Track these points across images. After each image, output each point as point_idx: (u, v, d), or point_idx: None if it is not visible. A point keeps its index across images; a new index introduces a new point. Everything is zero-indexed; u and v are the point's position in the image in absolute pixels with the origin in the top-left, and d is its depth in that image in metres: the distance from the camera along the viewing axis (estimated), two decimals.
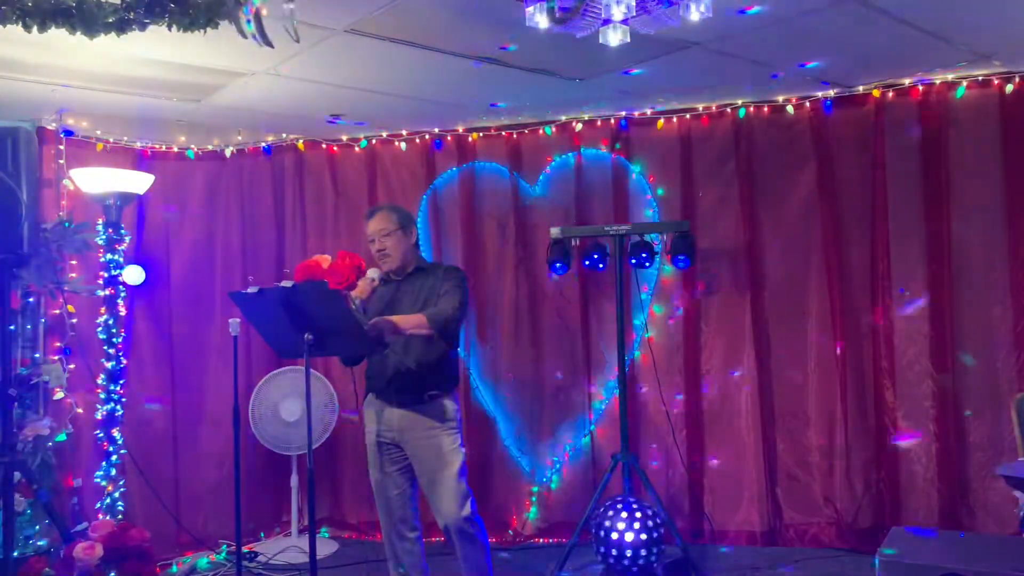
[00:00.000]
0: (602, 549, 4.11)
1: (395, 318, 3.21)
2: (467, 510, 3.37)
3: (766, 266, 4.78)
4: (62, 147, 4.51)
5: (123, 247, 4.50)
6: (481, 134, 5.10)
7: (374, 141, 5.19)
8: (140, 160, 4.93)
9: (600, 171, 5.00)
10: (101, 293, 4.42)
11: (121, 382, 4.46)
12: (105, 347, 4.39)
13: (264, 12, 2.51)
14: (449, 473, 3.36)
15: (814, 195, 4.68)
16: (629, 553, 4.03)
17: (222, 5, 2.51)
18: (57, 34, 2.61)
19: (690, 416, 4.84)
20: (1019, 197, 4.28)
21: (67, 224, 4.30)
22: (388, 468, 3.48)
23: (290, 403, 4.88)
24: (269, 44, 2.55)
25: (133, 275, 4.65)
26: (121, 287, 4.48)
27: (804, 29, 3.48)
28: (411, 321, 3.23)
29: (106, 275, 4.42)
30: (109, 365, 4.39)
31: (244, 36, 2.56)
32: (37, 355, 4.30)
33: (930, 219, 4.42)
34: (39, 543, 4.04)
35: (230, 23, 2.57)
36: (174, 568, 4.70)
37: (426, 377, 3.38)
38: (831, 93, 4.56)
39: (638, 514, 4.06)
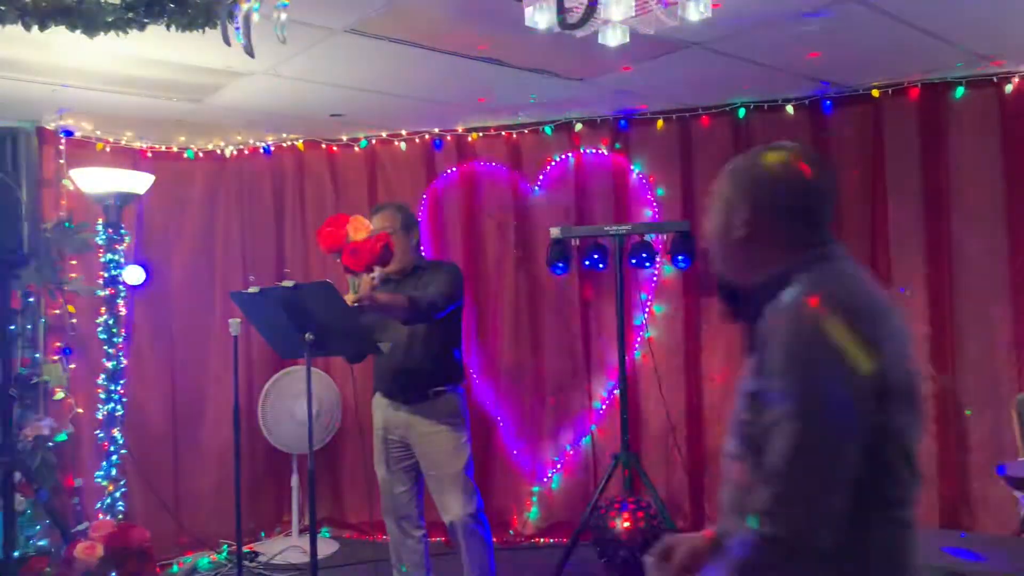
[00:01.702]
0: (602, 549, 4.11)
1: (382, 297, 3.15)
2: (473, 507, 3.38)
3: None
4: (62, 147, 4.51)
5: (123, 247, 4.50)
6: (481, 134, 5.10)
7: (374, 141, 5.19)
8: (140, 160, 4.93)
9: (600, 171, 4.99)
10: (101, 293, 4.42)
11: (121, 382, 4.46)
12: (105, 347, 4.39)
13: (255, 19, 2.51)
14: (455, 469, 3.37)
15: None
16: (629, 553, 4.03)
17: (217, 6, 2.51)
18: (57, 34, 2.62)
19: (690, 416, 4.83)
20: (1019, 197, 4.27)
21: (67, 224, 4.30)
22: (394, 466, 3.48)
23: (304, 402, 4.86)
24: (251, 54, 2.55)
25: (133, 275, 4.66)
26: (121, 287, 4.48)
27: (804, 29, 3.48)
28: (395, 302, 3.17)
29: (106, 275, 4.42)
30: (109, 365, 4.39)
31: (229, 44, 2.56)
32: (37, 355, 4.30)
33: (930, 219, 4.42)
34: (40, 543, 4.04)
35: (215, 28, 2.57)
36: (174, 568, 4.70)
37: (430, 374, 3.38)
38: (831, 93, 4.56)
39: (638, 514, 4.06)
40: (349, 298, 2.99)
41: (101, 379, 4.40)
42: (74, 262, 4.44)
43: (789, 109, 4.65)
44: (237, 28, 2.55)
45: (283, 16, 2.51)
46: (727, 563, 1.38)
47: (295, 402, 4.87)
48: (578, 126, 4.97)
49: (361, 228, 3.04)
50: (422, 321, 3.26)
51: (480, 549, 3.41)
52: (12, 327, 3.92)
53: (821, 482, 1.32)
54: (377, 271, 3.27)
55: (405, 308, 3.16)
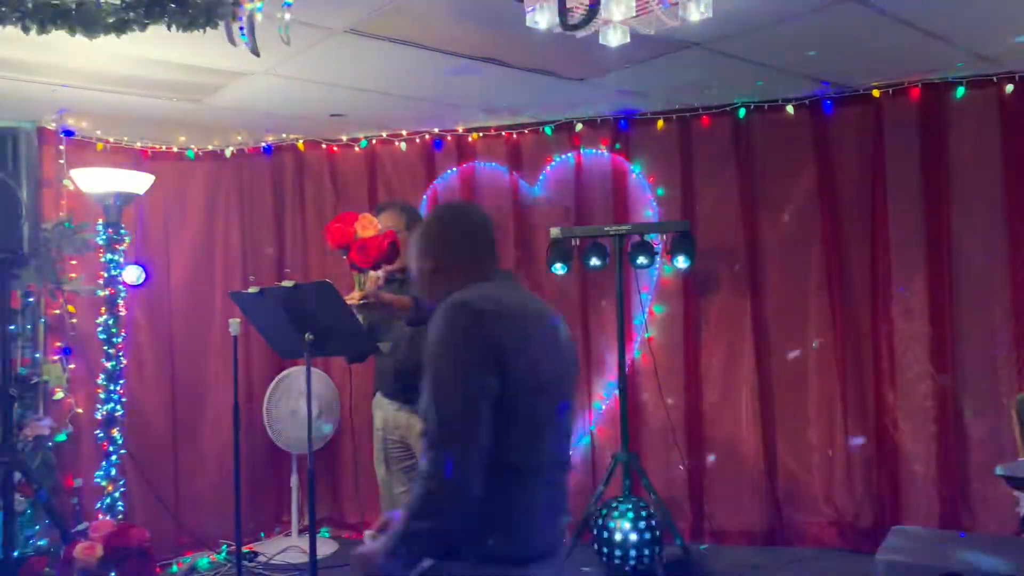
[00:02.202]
0: (602, 549, 4.11)
1: (387, 296, 3.11)
2: None
3: (766, 266, 4.78)
4: (62, 147, 4.51)
5: (123, 247, 4.50)
6: (481, 134, 5.10)
7: (374, 141, 5.19)
8: (140, 160, 4.93)
9: (600, 171, 4.99)
10: (101, 293, 4.42)
11: (121, 382, 4.46)
12: (105, 347, 4.39)
13: (258, 19, 2.51)
14: None
15: (814, 195, 4.68)
16: (629, 553, 4.03)
17: (220, 6, 2.52)
18: (57, 34, 2.61)
19: (690, 416, 4.84)
20: (1019, 197, 4.27)
21: (67, 224, 4.30)
22: (394, 466, 3.48)
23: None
24: (257, 53, 2.55)
25: (133, 275, 4.65)
26: (121, 287, 4.48)
27: (804, 29, 3.48)
28: (400, 303, 3.13)
29: (106, 275, 4.42)
30: (109, 365, 4.39)
31: (234, 44, 2.56)
32: (37, 355, 4.30)
33: (930, 219, 4.42)
34: (39, 543, 4.04)
35: (215, 28, 2.58)
36: (174, 568, 4.70)
37: None
38: (831, 93, 4.56)
39: (638, 514, 4.06)
40: (355, 295, 2.98)
41: (101, 379, 4.40)
42: (74, 262, 4.43)
43: (789, 109, 4.65)
44: (241, 28, 2.55)
45: (287, 16, 2.52)
46: (403, 512, 1.76)
47: (298, 401, 4.88)
48: (578, 126, 4.97)
49: (370, 226, 3.02)
50: (426, 323, 3.25)
51: None
52: (12, 327, 3.93)
53: (459, 444, 1.68)
54: (382, 270, 3.26)
55: (410, 309, 3.16)
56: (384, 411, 3.49)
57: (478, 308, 1.75)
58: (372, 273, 3.18)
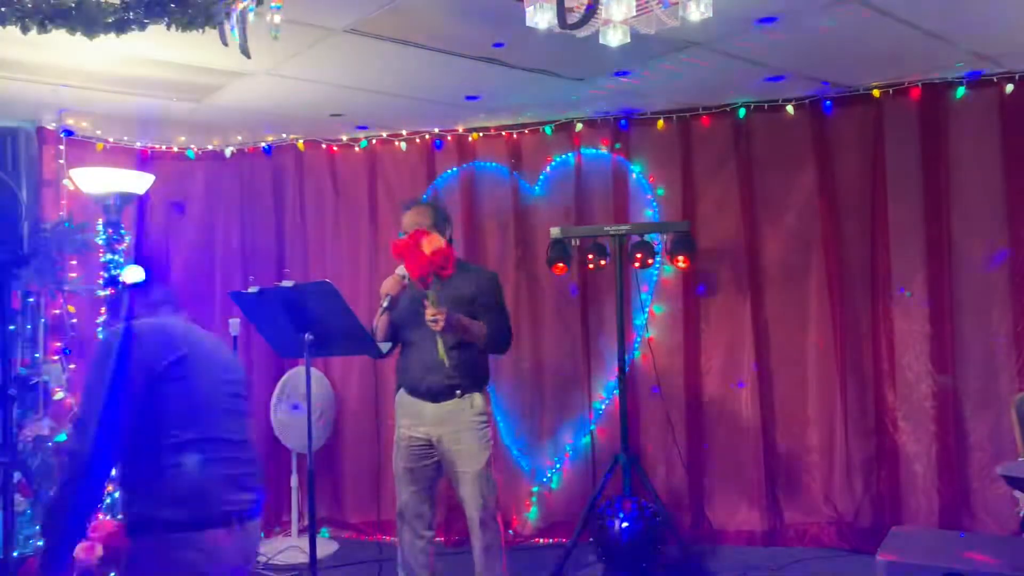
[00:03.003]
0: (602, 549, 4.11)
1: (465, 320, 3.31)
2: (493, 504, 3.41)
3: (766, 266, 4.78)
4: (62, 147, 4.51)
5: (123, 247, 4.50)
6: (481, 134, 5.10)
7: (374, 141, 5.19)
8: (140, 160, 4.93)
9: (600, 171, 4.99)
10: (101, 293, 4.42)
11: None
12: None
13: (251, 19, 2.51)
14: (478, 466, 3.39)
15: (814, 195, 4.68)
16: (629, 553, 4.02)
17: (215, 5, 2.52)
18: (57, 34, 2.61)
19: (690, 416, 4.84)
20: (1019, 197, 4.28)
21: (67, 224, 4.30)
22: (412, 464, 3.48)
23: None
24: (247, 54, 2.56)
25: (133, 275, 4.65)
26: (121, 287, 4.48)
27: (805, 29, 3.48)
28: (475, 329, 3.36)
29: (106, 275, 4.42)
30: None
31: (226, 44, 2.57)
32: (37, 355, 4.30)
33: (930, 219, 4.42)
34: (39, 543, 4.04)
35: (214, 28, 2.58)
36: None
37: (459, 373, 3.39)
38: (831, 93, 4.56)
39: (638, 514, 4.06)
40: (429, 311, 3.13)
41: None
42: (74, 262, 4.43)
43: (789, 109, 4.65)
44: (232, 28, 2.55)
45: (276, 18, 2.52)
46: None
47: (301, 402, 4.88)
48: (578, 126, 4.97)
49: (433, 243, 3.09)
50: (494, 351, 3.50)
51: (496, 548, 3.43)
52: (12, 327, 3.92)
53: (92, 430, 2.09)
54: (402, 270, 3.25)
55: (482, 343, 3.39)
56: (408, 408, 3.50)
57: (132, 331, 2.22)
58: (390, 278, 3.26)
